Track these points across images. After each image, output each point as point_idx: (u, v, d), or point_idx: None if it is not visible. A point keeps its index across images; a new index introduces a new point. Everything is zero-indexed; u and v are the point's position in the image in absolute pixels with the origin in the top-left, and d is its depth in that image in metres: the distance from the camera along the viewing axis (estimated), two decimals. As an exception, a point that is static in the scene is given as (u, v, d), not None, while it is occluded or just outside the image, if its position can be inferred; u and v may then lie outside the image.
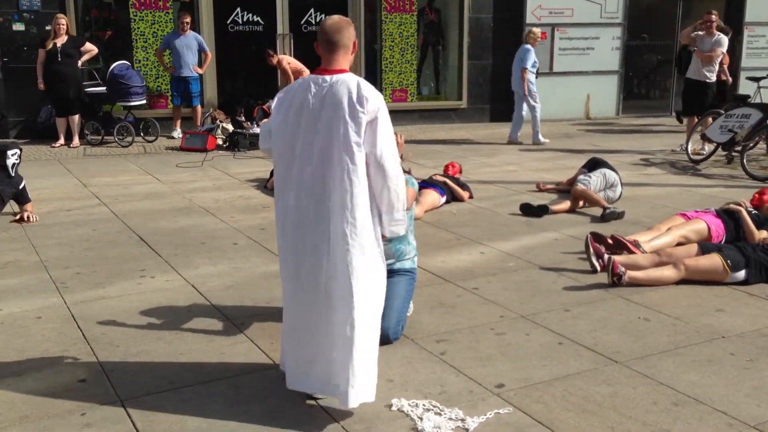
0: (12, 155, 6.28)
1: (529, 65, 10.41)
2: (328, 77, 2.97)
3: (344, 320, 2.93)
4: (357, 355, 2.94)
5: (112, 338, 3.81)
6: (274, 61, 11.00)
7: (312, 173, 2.94)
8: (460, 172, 7.43)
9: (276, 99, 3.12)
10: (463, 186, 7.08)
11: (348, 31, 3.02)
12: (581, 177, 6.76)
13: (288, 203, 3.00)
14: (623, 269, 4.55)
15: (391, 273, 3.77)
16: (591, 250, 4.88)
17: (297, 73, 11.11)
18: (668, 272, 4.62)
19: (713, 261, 4.62)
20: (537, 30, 10.78)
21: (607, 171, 6.81)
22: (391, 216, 3.04)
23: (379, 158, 2.93)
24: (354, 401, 2.95)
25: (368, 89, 2.94)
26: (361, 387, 2.96)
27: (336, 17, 3.08)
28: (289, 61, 11.09)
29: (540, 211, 6.37)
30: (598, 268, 4.82)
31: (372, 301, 3.01)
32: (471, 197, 7.04)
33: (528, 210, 6.41)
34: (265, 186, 7.55)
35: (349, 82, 2.94)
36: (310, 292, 2.98)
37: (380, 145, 2.93)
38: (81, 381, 3.33)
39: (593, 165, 7.04)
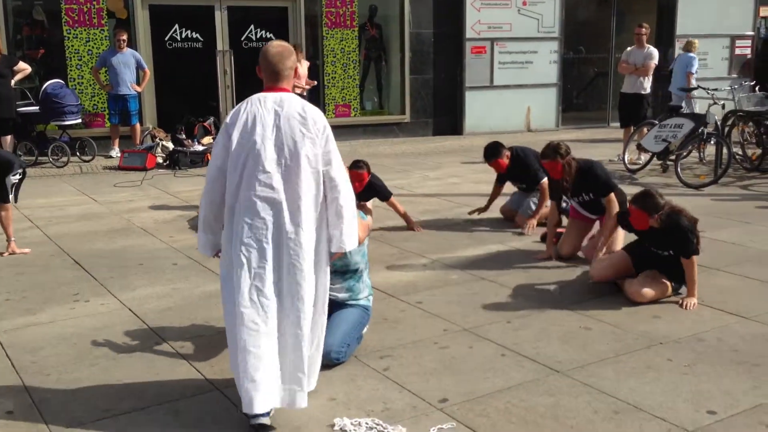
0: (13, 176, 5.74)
1: (693, 69, 10.90)
2: (273, 95, 3.06)
3: (300, 320, 3.01)
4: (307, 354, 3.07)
5: (42, 366, 3.66)
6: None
7: (270, 183, 2.96)
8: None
9: (229, 117, 3.08)
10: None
11: (290, 60, 3.10)
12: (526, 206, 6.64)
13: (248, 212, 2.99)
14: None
15: (344, 306, 3.80)
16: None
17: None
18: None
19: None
20: (696, 41, 11.23)
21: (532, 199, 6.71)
22: (341, 230, 3.09)
23: (332, 174, 3.07)
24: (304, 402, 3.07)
25: (314, 110, 3.09)
26: (308, 386, 3.11)
27: (278, 46, 3.13)
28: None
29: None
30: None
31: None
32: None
33: None
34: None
35: (295, 102, 3.06)
36: (272, 300, 2.98)
37: (334, 162, 3.07)
38: (8, 413, 3.19)
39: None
